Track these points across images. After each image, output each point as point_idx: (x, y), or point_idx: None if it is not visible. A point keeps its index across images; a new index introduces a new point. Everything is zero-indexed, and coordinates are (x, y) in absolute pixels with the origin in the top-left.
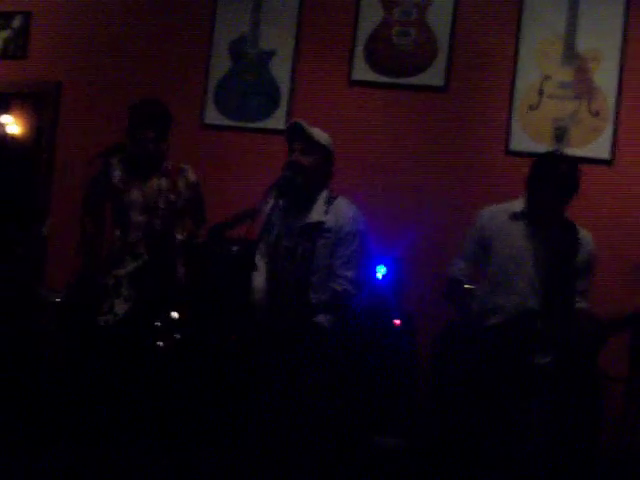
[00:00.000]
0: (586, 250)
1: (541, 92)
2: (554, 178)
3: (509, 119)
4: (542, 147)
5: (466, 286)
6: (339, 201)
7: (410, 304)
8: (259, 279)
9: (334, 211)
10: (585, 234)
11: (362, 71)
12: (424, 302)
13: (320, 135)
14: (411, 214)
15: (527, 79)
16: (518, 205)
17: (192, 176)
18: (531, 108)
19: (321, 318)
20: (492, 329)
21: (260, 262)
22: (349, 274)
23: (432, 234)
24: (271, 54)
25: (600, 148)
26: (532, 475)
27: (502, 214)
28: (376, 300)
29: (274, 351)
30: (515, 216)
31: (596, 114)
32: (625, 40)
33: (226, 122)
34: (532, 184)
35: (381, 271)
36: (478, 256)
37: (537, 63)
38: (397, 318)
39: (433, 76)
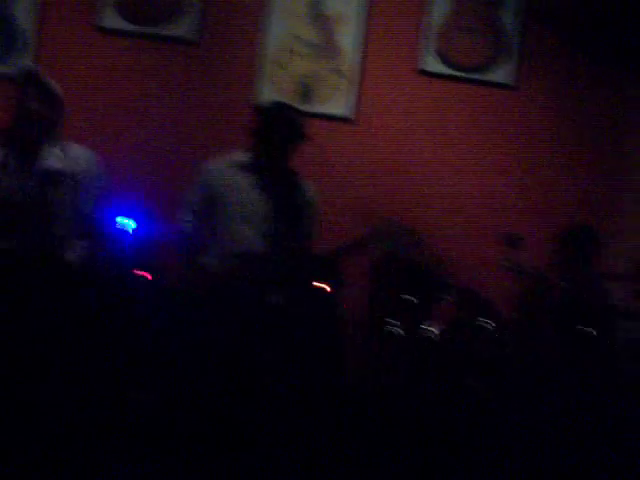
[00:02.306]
0: (310, 198)
1: (288, 50)
2: (280, 125)
3: (257, 75)
4: None
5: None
6: (73, 147)
7: (161, 257)
8: None
9: (70, 157)
10: (309, 183)
11: (111, 18)
12: (173, 256)
13: (52, 83)
14: (159, 166)
15: (275, 37)
16: (243, 156)
17: None
18: (279, 65)
19: (69, 254)
20: (225, 276)
21: None
22: (93, 215)
23: (180, 186)
24: None
25: (343, 106)
26: (275, 413)
27: (227, 165)
28: (123, 253)
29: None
30: (241, 167)
31: (339, 73)
32: (367, 3)
33: None
34: (259, 132)
35: (129, 224)
36: (204, 209)
37: (285, 22)
38: (146, 271)
39: (184, 28)
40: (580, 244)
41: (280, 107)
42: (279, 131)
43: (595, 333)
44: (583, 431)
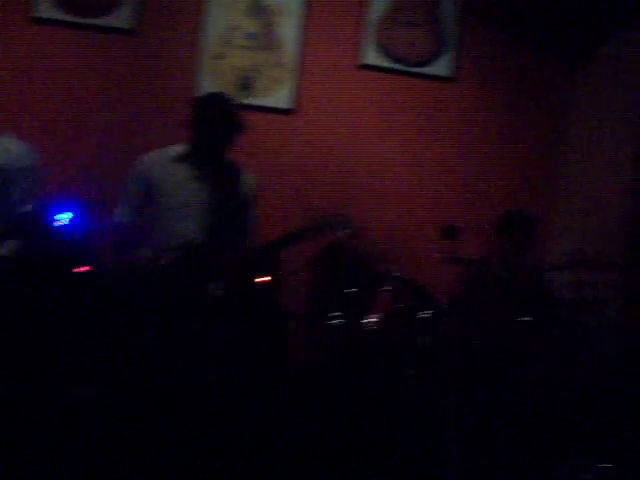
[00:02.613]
0: (249, 189)
1: (228, 42)
2: (216, 117)
3: (196, 67)
4: None
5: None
6: (6, 139)
7: (100, 250)
8: None
9: (3, 149)
10: (248, 174)
11: (47, 8)
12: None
13: None
14: (98, 157)
15: (215, 28)
16: (181, 148)
17: None
18: (218, 57)
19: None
20: (164, 269)
21: None
22: (27, 209)
23: (118, 179)
24: None
25: (282, 98)
26: (216, 406)
27: (165, 158)
28: (61, 245)
29: None
30: (179, 158)
31: (279, 65)
32: None
33: None
34: (197, 124)
35: (66, 217)
36: (142, 201)
37: (225, 13)
38: (85, 264)
39: (122, 18)
40: (515, 230)
41: (215, 98)
42: (215, 122)
43: (532, 321)
44: (522, 417)
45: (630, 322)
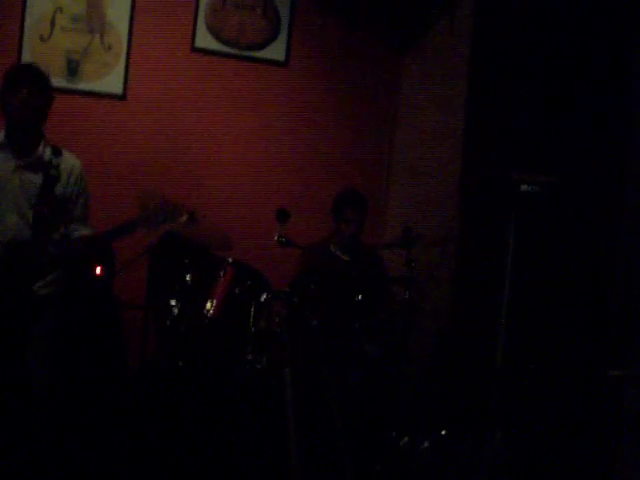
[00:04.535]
0: (77, 178)
1: (53, 23)
2: (29, 89)
3: (20, 49)
4: (54, 80)
5: None
6: None
7: None
8: None
9: None
10: (75, 162)
11: None
12: None
13: None
14: None
15: (39, 9)
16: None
17: None
18: (42, 39)
19: None
20: None
21: None
22: None
23: None
24: None
25: (113, 83)
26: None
27: None
28: None
29: None
30: None
31: (109, 49)
32: None
33: None
34: (6, 101)
35: None
36: None
37: None
38: None
39: None
40: (348, 209)
41: (17, 70)
42: (18, 96)
43: (365, 300)
44: (361, 392)
45: (460, 299)
